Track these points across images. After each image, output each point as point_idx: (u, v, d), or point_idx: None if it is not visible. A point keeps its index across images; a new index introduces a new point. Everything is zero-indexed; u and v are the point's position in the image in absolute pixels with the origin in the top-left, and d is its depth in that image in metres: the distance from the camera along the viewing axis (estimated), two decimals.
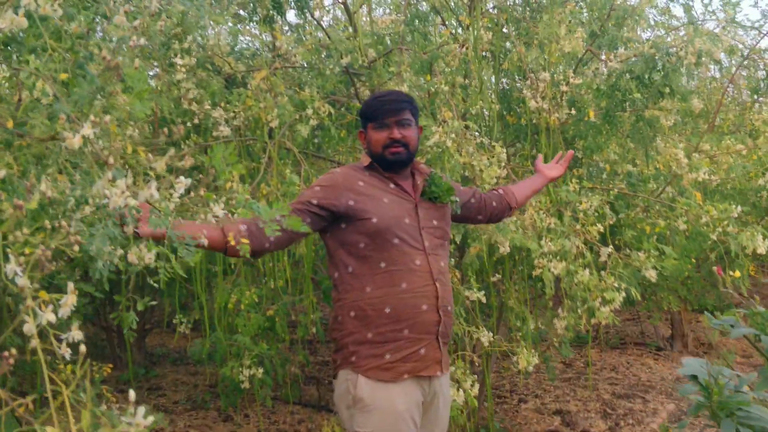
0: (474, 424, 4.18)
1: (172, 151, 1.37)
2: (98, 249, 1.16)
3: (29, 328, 0.94)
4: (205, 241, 1.63)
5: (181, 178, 1.42)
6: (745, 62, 6.53)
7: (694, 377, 1.17)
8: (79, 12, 1.41)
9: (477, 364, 3.17)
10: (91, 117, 1.24)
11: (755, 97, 6.51)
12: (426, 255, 2.29)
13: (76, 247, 1.09)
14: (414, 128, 2.40)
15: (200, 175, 1.71)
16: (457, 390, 2.67)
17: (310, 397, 5.17)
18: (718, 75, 7.07)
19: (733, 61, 6.55)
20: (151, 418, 0.90)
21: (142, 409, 0.93)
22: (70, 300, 1.00)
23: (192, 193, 1.66)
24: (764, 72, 6.54)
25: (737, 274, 2.68)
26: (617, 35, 3.48)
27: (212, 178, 1.70)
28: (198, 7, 2.69)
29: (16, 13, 1.19)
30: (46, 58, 1.27)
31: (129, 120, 1.48)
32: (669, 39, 4.78)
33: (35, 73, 1.26)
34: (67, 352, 0.98)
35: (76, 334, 1.01)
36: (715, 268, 2.38)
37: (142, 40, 1.38)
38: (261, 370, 3.50)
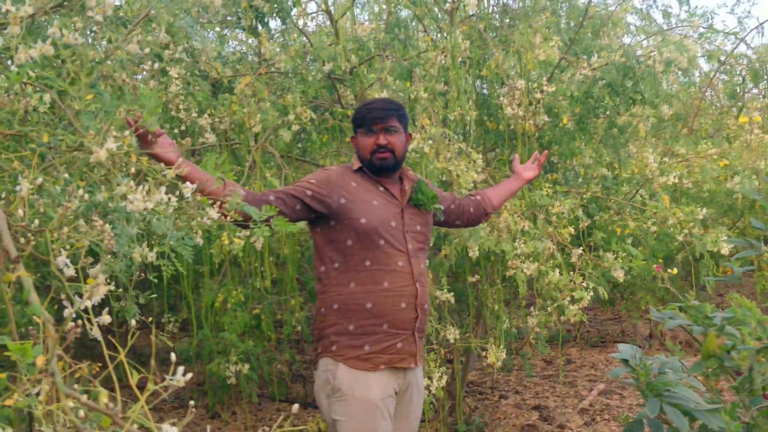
0: (455, 419, 4.31)
1: (181, 160, 1.51)
2: (121, 246, 1.30)
3: (68, 312, 1.07)
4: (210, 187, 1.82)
5: (188, 183, 1.55)
6: (723, 68, 6.70)
7: (625, 361, 1.30)
8: (96, 40, 1.54)
9: (447, 359, 3.30)
10: (114, 132, 1.38)
11: (732, 101, 6.69)
12: (408, 257, 2.45)
13: (113, 242, 1.22)
14: (401, 135, 2.52)
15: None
16: (430, 380, 2.82)
17: (297, 395, 5.28)
18: (698, 80, 7.25)
19: (711, 67, 6.73)
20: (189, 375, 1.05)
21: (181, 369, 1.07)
22: (102, 289, 1.14)
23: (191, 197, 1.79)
24: (740, 78, 6.72)
25: (674, 271, 2.82)
26: (591, 44, 3.61)
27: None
28: (187, 15, 2.81)
29: (44, 42, 1.32)
30: (70, 80, 1.39)
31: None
32: (648, 44, 4.93)
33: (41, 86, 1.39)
34: (98, 333, 1.12)
35: (105, 318, 1.15)
36: (654, 267, 2.51)
37: (156, 65, 1.51)
38: (247, 367, 3.61)
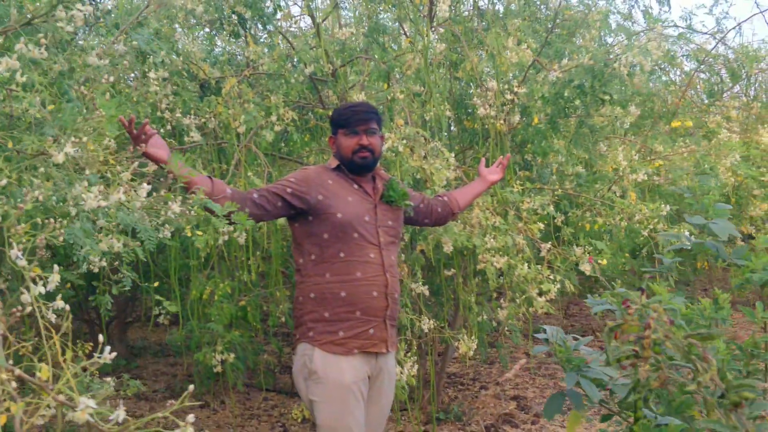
0: (435, 408, 4.48)
1: (136, 163, 1.68)
2: (76, 239, 1.46)
3: (26, 298, 1.24)
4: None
5: (144, 184, 1.72)
6: (702, 66, 6.87)
7: (546, 340, 1.47)
8: (60, 53, 1.70)
9: (423, 347, 3.47)
10: (72, 138, 1.55)
11: (711, 100, 6.86)
12: (380, 250, 2.66)
13: (61, 238, 1.40)
14: (378, 136, 2.77)
15: (162, 179, 2.03)
16: (401, 368, 2.99)
17: (284, 385, 5.45)
18: (679, 78, 7.43)
19: (691, 66, 6.90)
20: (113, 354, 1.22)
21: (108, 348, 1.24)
22: (55, 278, 1.31)
23: (155, 193, 1.97)
24: (718, 77, 6.89)
25: (604, 262, 2.99)
26: (561, 47, 3.77)
27: (171, 181, 2.02)
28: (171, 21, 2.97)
29: (10, 57, 1.48)
30: (35, 90, 1.56)
31: (101, 136, 1.78)
32: (625, 44, 5.09)
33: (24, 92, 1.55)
34: (53, 317, 1.28)
35: (59, 303, 1.31)
36: (587, 257, 2.68)
37: (111, 78, 1.68)
38: (233, 356, 3.77)
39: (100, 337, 1.29)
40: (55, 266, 1.31)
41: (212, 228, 2.73)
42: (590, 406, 1.52)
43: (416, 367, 3.05)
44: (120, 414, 1.15)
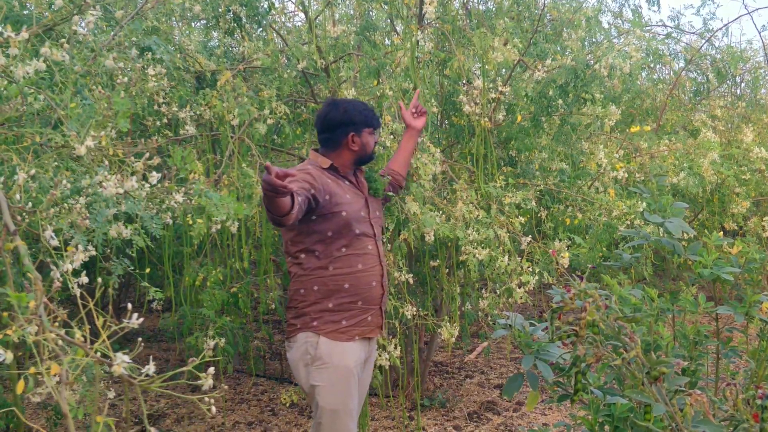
0: (418, 395, 4.62)
1: (147, 154, 1.83)
2: (97, 223, 1.62)
3: (55, 273, 1.39)
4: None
5: (153, 173, 1.86)
6: (690, 66, 7.00)
7: (507, 325, 1.61)
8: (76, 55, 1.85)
9: (408, 336, 3.62)
10: (93, 133, 1.70)
11: (697, 98, 7.00)
12: (375, 241, 2.88)
13: (87, 222, 1.55)
14: None
15: (166, 170, 2.17)
16: (384, 352, 3.16)
17: (274, 371, 5.60)
18: (667, 77, 7.56)
19: (678, 66, 7.03)
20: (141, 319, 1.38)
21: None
22: (80, 256, 1.46)
23: (159, 185, 2.11)
24: (705, 77, 7.02)
25: (566, 255, 3.14)
26: (545, 48, 3.90)
27: (174, 173, 2.16)
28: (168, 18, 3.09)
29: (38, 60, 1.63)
30: (58, 89, 1.71)
31: (113, 129, 1.93)
32: (618, 42, 5.21)
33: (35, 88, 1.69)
34: (78, 291, 1.44)
35: (84, 279, 1.46)
36: (550, 251, 2.82)
37: (125, 79, 1.82)
38: (224, 341, 3.91)
39: (129, 305, 1.44)
40: (80, 246, 1.46)
41: (206, 217, 2.88)
42: (547, 386, 1.66)
43: (398, 349, 3.21)
44: (150, 368, 1.31)
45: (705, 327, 1.56)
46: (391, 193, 3.17)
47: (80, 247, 1.46)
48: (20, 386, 1.34)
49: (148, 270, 3.29)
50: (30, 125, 1.69)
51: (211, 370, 1.49)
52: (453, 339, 3.41)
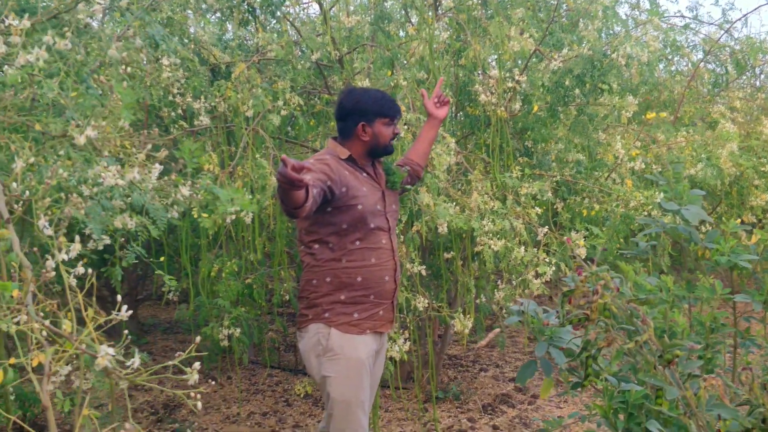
0: (434, 387, 4.62)
1: (149, 146, 1.82)
2: (95, 213, 1.61)
3: (51, 263, 1.39)
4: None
5: (156, 164, 1.86)
6: (709, 57, 6.91)
7: (521, 312, 1.59)
8: (82, 45, 1.84)
9: (422, 328, 3.60)
10: (93, 122, 1.70)
11: (715, 90, 6.91)
12: (389, 235, 2.83)
13: (82, 211, 1.54)
14: None
15: (173, 163, 2.17)
16: (393, 343, 3.15)
17: (288, 362, 5.61)
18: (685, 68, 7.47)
19: (697, 57, 6.94)
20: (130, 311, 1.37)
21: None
22: (76, 246, 1.45)
23: (166, 178, 2.11)
24: (723, 68, 6.93)
25: (581, 243, 3.11)
26: (562, 37, 3.86)
27: (181, 166, 2.16)
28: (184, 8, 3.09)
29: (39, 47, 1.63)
30: (60, 78, 1.70)
31: (120, 120, 1.93)
32: (636, 33, 5.15)
33: (45, 77, 1.69)
34: (73, 281, 1.43)
35: (80, 269, 1.46)
36: (565, 239, 2.80)
37: (129, 69, 1.82)
38: (239, 331, 3.92)
39: (118, 297, 1.43)
40: (77, 237, 1.46)
41: (220, 210, 2.87)
42: (562, 378, 1.64)
43: (408, 343, 3.20)
44: (135, 361, 1.29)
45: (722, 314, 1.54)
46: (408, 186, 3.10)
47: (77, 237, 1.46)
48: None
49: (162, 258, 3.30)
50: (41, 115, 1.69)
51: (197, 365, 1.47)
52: (466, 331, 3.40)
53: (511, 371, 5.55)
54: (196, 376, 1.40)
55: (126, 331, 1.47)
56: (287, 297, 4.29)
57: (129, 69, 3.19)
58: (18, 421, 1.90)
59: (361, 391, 2.70)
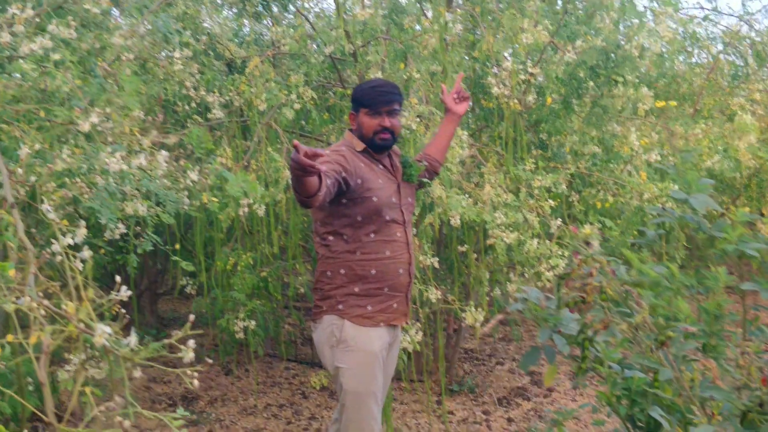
0: (449, 380, 4.63)
1: (155, 132, 1.85)
2: (101, 199, 1.64)
3: (56, 247, 1.42)
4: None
5: (162, 152, 1.89)
6: (728, 49, 6.83)
7: (524, 299, 1.60)
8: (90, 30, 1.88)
9: (436, 322, 3.62)
10: (97, 109, 1.73)
11: (735, 82, 6.83)
12: (404, 228, 2.82)
13: (86, 196, 1.58)
14: (399, 117, 2.85)
15: (181, 149, 2.20)
16: (406, 335, 3.17)
17: (305, 356, 5.65)
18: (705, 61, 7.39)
19: (717, 49, 6.86)
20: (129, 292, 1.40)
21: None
22: (81, 231, 1.49)
23: (175, 163, 2.14)
24: (743, 60, 6.85)
25: (588, 230, 3.09)
26: (576, 29, 3.85)
27: (189, 152, 2.19)
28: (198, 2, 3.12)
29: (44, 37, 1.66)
30: (65, 66, 1.74)
31: (125, 109, 1.96)
32: (641, 24, 5.10)
33: (60, 69, 1.73)
34: (79, 265, 1.46)
35: (86, 253, 1.49)
36: (571, 227, 2.78)
37: (132, 56, 1.85)
38: (253, 323, 3.96)
39: (117, 277, 1.46)
40: (82, 222, 1.49)
41: (234, 201, 2.90)
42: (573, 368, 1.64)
43: (420, 333, 3.21)
44: (132, 339, 1.32)
45: (728, 301, 1.53)
46: (425, 180, 3.06)
47: (83, 222, 1.49)
48: None
49: (177, 246, 3.33)
50: (49, 104, 1.73)
51: (191, 342, 1.50)
52: (478, 324, 3.40)
53: None
54: (191, 354, 1.43)
55: (124, 311, 1.50)
56: (302, 290, 4.32)
57: (145, 64, 3.24)
58: (35, 410, 1.94)
59: (374, 382, 2.71)
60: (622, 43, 3.69)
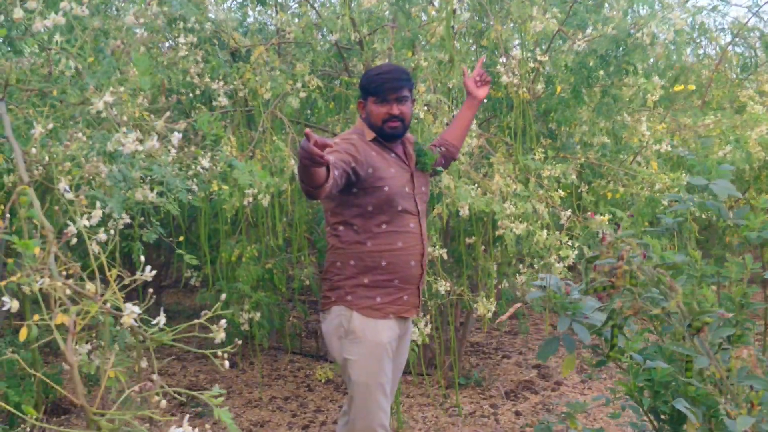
0: (456, 372, 4.58)
1: (167, 114, 1.79)
2: (115, 181, 1.59)
3: (72, 229, 1.37)
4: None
5: (175, 133, 1.82)
6: (737, 40, 6.75)
7: (542, 287, 1.54)
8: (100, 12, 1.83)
9: (444, 315, 3.57)
10: (111, 88, 1.68)
11: (744, 74, 6.76)
12: (418, 218, 2.73)
13: (103, 174, 1.53)
14: (410, 103, 2.72)
15: (191, 136, 2.14)
16: (416, 328, 3.11)
17: (310, 348, 5.61)
18: (713, 52, 7.32)
19: (725, 40, 6.79)
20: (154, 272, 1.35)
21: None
22: (97, 213, 1.44)
23: (185, 149, 2.09)
24: (752, 52, 6.77)
25: (606, 219, 3.04)
26: (586, 17, 3.78)
27: (200, 138, 2.13)
28: None
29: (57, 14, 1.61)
30: (78, 44, 1.69)
31: (138, 90, 1.91)
32: (652, 12, 5.03)
33: (64, 53, 1.68)
34: (97, 248, 1.42)
35: (102, 236, 1.44)
36: (589, 213, 2.73)
37: (146, 33, 1.80)
38: (258, 315, 3.92)
39: (141, 258, 1.42)
40: (98, 203, 1.44)
41: (239, 191, 2.84)
42: (587, 363, 1.59)
43: (429, 326, 3.16)
44: (161, 319, 1.28)
45: (753, 289, 1.48)
46: (440, 168, 2.95)
47: (98, 204, 1.44)
48: (23, 333, 1.31)
49: (182, 238, 3.28)
50: (60, 83, 1.68)
51: (223, 322, 1.46)
52: (489, 315, 3.35)
53: (534, 358, 5.48)
54: (222, 335, 1.39)
55: (151, 290, 1.46)
56: (308, 282, 4.27)
57: (150, 51, 3.18)
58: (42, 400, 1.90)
59: (382, 374, 2.65)
60: (632, 31, 3.62)
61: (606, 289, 1.24)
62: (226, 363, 1.41)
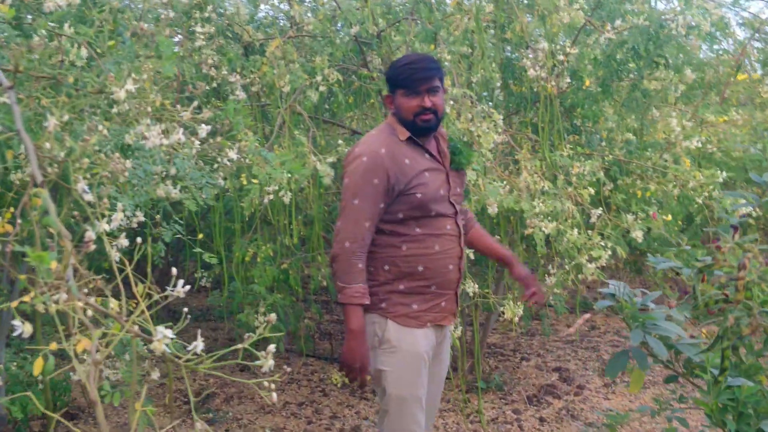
0: (475, 377, 4.44)
1: (195, 103, 1.65)
2: (139, 178, 1.45)
3: (90, 234, 1.22)
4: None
5: (203, 125, 1.69)
6: (757, 35, 6.60)
7: (612, 295, 1.40)
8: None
9: (465, 316, 3.42)
10: (133, 75, 1.53)
11: (765, 69, 6.60)
12: (455, 220, 2.52)
13: (126, 173, 1.37)
14: (441, 94, 2.50)
15: (217, 126, 1.99)
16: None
17: (324, 351, 5.47)
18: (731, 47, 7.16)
19: (746, 35, 6.63)
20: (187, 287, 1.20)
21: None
22: (119, 216, 1.29)
23: (211, 141, 1.94)
24: None
25: (669, 218, 2.89)
26: (615, 8, 3.64)
27: (227, 128, 1.98)
28: None
29: None
30: (95, 28, 1.54)
31: (160, 78, 1.76)
32: (688, 2, 4.88)
33: (75, 38, 1.53)
34: (117, 255, 1.27)
35: (122, 241, 1.30)
36: (651, 213, 2.58)
37: (171, 13, 1.66)
38: (274, 317, 3.78)
39: (173, 270, 1.29)
40: (120, 205, 1.30)
41: (258, 188, 2.70)
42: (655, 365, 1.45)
43: (460, 329, 3.01)
44: (198, 345, 1.14)
45: None
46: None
47: (120, 206, 1.29)
48: (38, 366, 1.15)
49: (200, 236, 3.14)
50: (73, 71, 1.53)
51: (272, 347, 1.29)
52: (516, 319, 3.21)
53: (554, 360, 5.34)
54: (271, 362, 1.23)
55: (186, 310, 1.31)
56: (324, 283, 4.13)
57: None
58: (47, 412, 1.78)
59: (419, 386, 2.47)
60: (666, 22, 3.47)
61: (719, 303, 1.10)
62: (274, 395, 1.25)
